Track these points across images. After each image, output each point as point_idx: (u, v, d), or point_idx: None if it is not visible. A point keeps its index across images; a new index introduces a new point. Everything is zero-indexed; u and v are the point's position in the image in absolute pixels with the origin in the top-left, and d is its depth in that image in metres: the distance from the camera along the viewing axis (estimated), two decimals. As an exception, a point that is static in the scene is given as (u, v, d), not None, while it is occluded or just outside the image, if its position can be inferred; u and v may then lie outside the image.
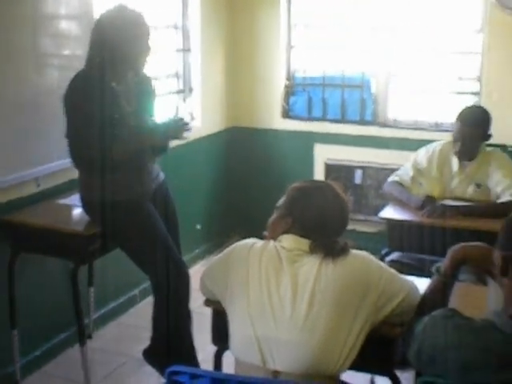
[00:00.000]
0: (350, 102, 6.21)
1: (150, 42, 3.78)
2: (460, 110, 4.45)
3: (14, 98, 3.96)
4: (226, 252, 2.68)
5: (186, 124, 3.90)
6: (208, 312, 2.90)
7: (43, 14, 4.16)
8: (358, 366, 2.54)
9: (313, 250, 2.54)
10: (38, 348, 4.34)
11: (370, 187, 6.15)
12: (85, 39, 3.83)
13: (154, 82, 4.11)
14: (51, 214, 4.07)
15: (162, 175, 4.09)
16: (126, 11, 3.72)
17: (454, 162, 4.46)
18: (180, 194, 4.52)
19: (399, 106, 6.08)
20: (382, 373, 2.93)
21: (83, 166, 3.80)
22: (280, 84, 6.30)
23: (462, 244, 2.62)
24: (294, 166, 6.21)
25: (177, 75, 5.84)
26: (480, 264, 2.47)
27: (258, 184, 6.39)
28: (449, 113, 5.00)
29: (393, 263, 4.22)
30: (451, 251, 2.62)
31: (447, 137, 4.54)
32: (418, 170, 4.54)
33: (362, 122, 6.15)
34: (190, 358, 3.95)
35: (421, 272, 3.83)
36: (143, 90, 3.96)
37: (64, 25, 4.42)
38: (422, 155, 4.57)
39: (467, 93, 5.80)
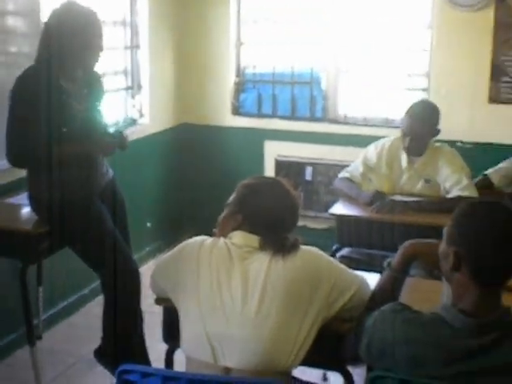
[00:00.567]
0: (299, 98, 6.23)
1: (102, 41, 3.75)
2: (409, 105, 4.49)
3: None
4: (177, 249, 2.67)
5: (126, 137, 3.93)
6: (159, 310, 2.89)
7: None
8: (310, 361, 2.55)
9: (263, 247, 2.54)
10: (-13, 349, 4.29)
11: (320, 184, 6.17)
12: (32, 36, 3.80)
13: (103, 80, 4.08)
14: (-1, 213, 4.02)
15: (111, 173, 4.06)
16: (79, 9, 3.68)
17: (403, 158, 4.49)
18: (130, 191, 4.48)
19: (349, 103, 6.11)
20: (333, 368, 2.94)
21: (22, 164, 3.75)
22: (230, 81, 6.29)
23: (414, 240, 2.65)
24: (245, 163, 6.20)
25: (125, 72, 5.80)
26: (431, 260, 2.49)
27: (208, 181, 6.37)
28: (398, 109, 5.04)
29: (343, 259, 4.24)
30: (402, 247, 2.64)
31: (397, 133, 4.57)
32: (368, 167, 4.57)
33: (312, 118, 6.17)
34: (142, 356, 3.93)
35: (371, 267, 3.86)
36: (93, 89, 3.92)
37: (10, 22, 4.36)
38: (371, 151, 4.59)
39: (416, 89, 5.85)
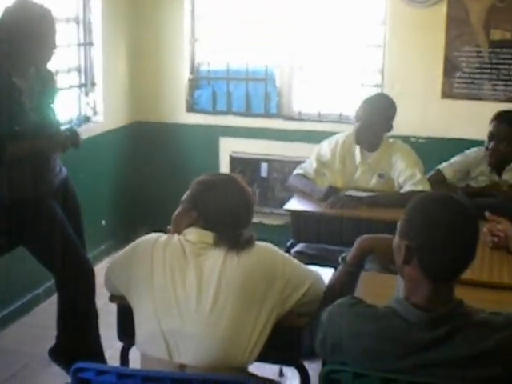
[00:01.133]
0: (254, 95, 6.23)
1: (56, 39, 3.72)
2: (368, 95, 4.54)
3: None
4: (131, 247, 2.66)
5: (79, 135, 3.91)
6: (114, 308, 2.88)
7: None
8: (266, 357, 2.56)
9: (217, 243, 2.54)
10: None
11: (275, 180, 6.18)
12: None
13: (56, 78, 4.05)
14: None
15: (64, 171, 4.03)
16: (31, 6, 3.64)
17: (357, 154, 4.51)
18: (84, 189, 4.46)
19: (304, 99, 6.13)
20: (289, 363, 2.96)
21: None
22: (184, 78, 6.27)
23: (369, 235, 2.66)
24: (200, 160, 6.19)
25: (79, 69, 5.75)
26: (386, 254, 2.51)
27: (163, 178, 6.35)
28: (352, 105, 5.06)
29: (298, 254, 4.26)
30: (358, 241, 2.66)
31: (351, 129, 4.59)
32: (322, 163, 4.58)
33: (267, 115, 6.17)
34: (98, 355, 3.92)
35: (326, 262, 3.88)
36: (46, 86, 3.88)
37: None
38: (325, 147, 4.61)
39: (370, 85, 5.89)
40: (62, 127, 4.08)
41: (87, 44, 5.78)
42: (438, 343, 2.07)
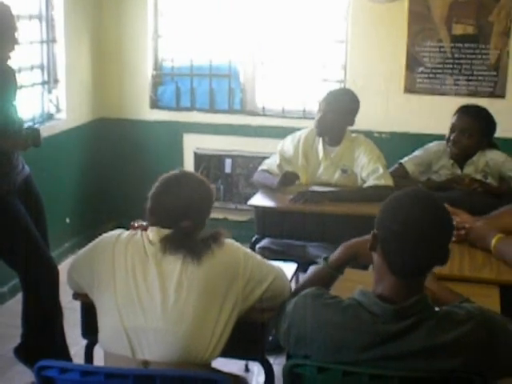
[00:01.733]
0: (218, 91, 6.23)
1: (17, 35, 3.69)
2: (332, 89, 4.57)
3: None
4: (93, 244, 2.66)
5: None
6: (79, 306, 2.88)
7: None
8: (231, 352, 2.58)
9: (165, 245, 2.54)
10: None
11: (240, 176, 6.19)
12: None
13: (17, 75, 4.02)
14: None
15: (27, 169, 4.00)
16: None
17: (320, 149, 4.53)
18: (47, 187, 4.44)
19: (267, 95, 6.14)
20: (253, 358, 2.96)
21: None
22: (147, 74, 6.25)
23: (355, 239, 2.66)
24: (164, 157, 6.18)
25: (41, 66, 5.71)
26: (370, 259, 2.50)
27: (128, 175, 6.33)
28: (316, 100, 5.08)
29: (263, 250, 4.28)
30: (344, 246, 2.66)
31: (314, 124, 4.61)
32: (285, 158, 4.59)
33: (231, 110, 6.18)
34: (63, 353, 3.91)
35: (290, 257, 3.90)
36: (7, 83, 3.85)
37: None
38: (288, 143, 4.62)
39: (333, 80, 5.91)
40: (25, 125, 4.05)
41: (50, 41, 5.73)
42: (402, 335, 2.10)
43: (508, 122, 5.28)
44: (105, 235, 2.66)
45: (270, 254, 4.13)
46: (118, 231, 2.65)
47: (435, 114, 5.54)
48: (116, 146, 6.36)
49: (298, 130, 4.72)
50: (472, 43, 5.56)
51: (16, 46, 3.75)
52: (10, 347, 4.02)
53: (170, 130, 6.24)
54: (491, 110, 4.48)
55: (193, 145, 6.22)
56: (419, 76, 5.69)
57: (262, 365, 2.80)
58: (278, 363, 3.00)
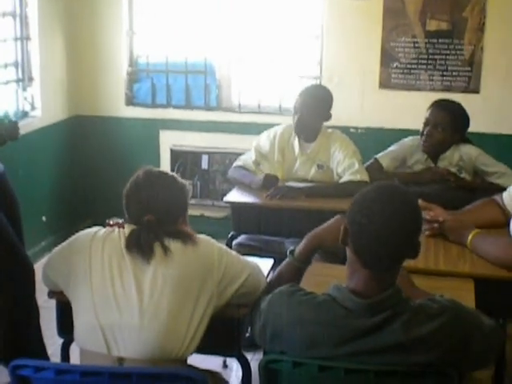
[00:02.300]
0: (194, 87, 6.22)
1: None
2: (303, 87, 4.56)
3: None
4: (69, 241, 2.66)
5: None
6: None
7: None
8: (207, 349, 2.58)
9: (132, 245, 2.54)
10: None
11: (216, 172, 6.20)
12: None
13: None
14: None
15: (1, 167, 3.98)
16: None
17: (296, 145, 4.54)
18: (22, 185, 4.42)
19: (243, 91, 6.13)
20: (230, 354, 2.97)
21: None
22: (123, 71, 6.23)
23: (317, 229, 2.67)
24: (140, 154, 6.16)
25: (16, 64, 5.68)
26: (335, 245, 2.54)
27: (103, 173, 6.31)
28: (291, 97, 5.09)
29: (239, 246, 4.27)
30: (307, 238, 2.67)
31: (290, 120, 4.61)
32: (261, 154, 4.60)
33: (207, 107, 6.17)
34: (40, 352, 3.89)
35: (267, 253, 3.91)
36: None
37: None
38: (264, 139, 4.62)
39: (309, 77, 5.92)
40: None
41: (24, 38, 5.70)
42: (376, 330, 2.11)
43: (482, 116, 5.32)
44: (81, 233, 2.65)
45: (247, 250, 4.13)
46: (94, 229, 2.64)
47: (410, 110, 5.55)
48: (92, 143, 6.33)
49: (274, 126, 4.72)
50: (446, 39, 5.59)
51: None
52: (-14, 347, 4.00)
53: (146, 127, 6.22)
54: (466, 105, 4.50)
55: (169, 141, 6.21)
56: (394, 72, 5.71)
57: (239, 361, 2.80)
58: (256, 359, 3.01)
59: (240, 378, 2.87)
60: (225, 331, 2.68)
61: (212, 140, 6.11)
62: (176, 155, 6.22)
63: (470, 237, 3.21)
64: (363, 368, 2.11)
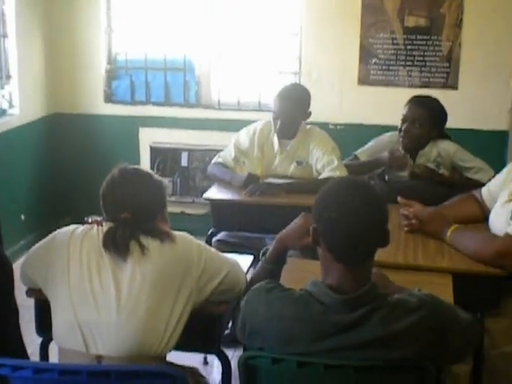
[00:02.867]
0: (173, 84, 6.21)
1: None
2: (280, 88, 4.55)
3: None
4: (47, 239, 2.65)
5: None
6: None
7: None
8: (187, 345, 2.58)
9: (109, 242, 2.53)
10: None
11: (196, 169, 6.20)
12: None
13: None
14: None
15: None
16: None
17: (275, 141, 4.54)
18: (1, 184, 4.41)
19: (223, 88, 6.13)
20: (210, 351, 2.97)
21: None
22: (101, 68, 6.21)
23: (282, 233, 2.70)
24: (120, 151, 6.14)
25: (-7, 62, 5.66)
26: (302, 244, 2.54)
27: (83, 170, 6.29)
28: (271, 93, 5.09)
29: (219, 243, 4.28)
30: (276, 240, 2.70)
31: (269, 116, 4.61)
32: (240, 151, 4.60)
33: (186, 104, 6.17)
34: (20, 351, 3.86)
35: (247, 250, 3.90)
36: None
37: None
38: (243, 136, 4.62)
39: (288, 73, 5.93)
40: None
41: (1, 36, 5.67)
42: (355, 326, 2.11)
43: (460, 112, 5.35)
44: (59, 230, 2.65)
45: (227, 246, 4.14)
46: (72, 226, 2.64)
47: (389, 106, 5.56)
48: (71, 141, 6.31)
49: (254, 122, 4.72)
50: (424, 35, 5.61)
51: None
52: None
53: (125, 125, 6.21)
54: (444, 101, 4.51)
55: (149, 139, 6.20)
56: (373, 68, 5.73)
57: (219, 357, 2.80)
58: (236, 355, 3.00)
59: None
60: (204, 328, 2.69)
61: (192, 137, 6.10)
62: (156, 152, 6.21)
63: (448, 232, 3.23)
64: (342, 364, 2.11)
